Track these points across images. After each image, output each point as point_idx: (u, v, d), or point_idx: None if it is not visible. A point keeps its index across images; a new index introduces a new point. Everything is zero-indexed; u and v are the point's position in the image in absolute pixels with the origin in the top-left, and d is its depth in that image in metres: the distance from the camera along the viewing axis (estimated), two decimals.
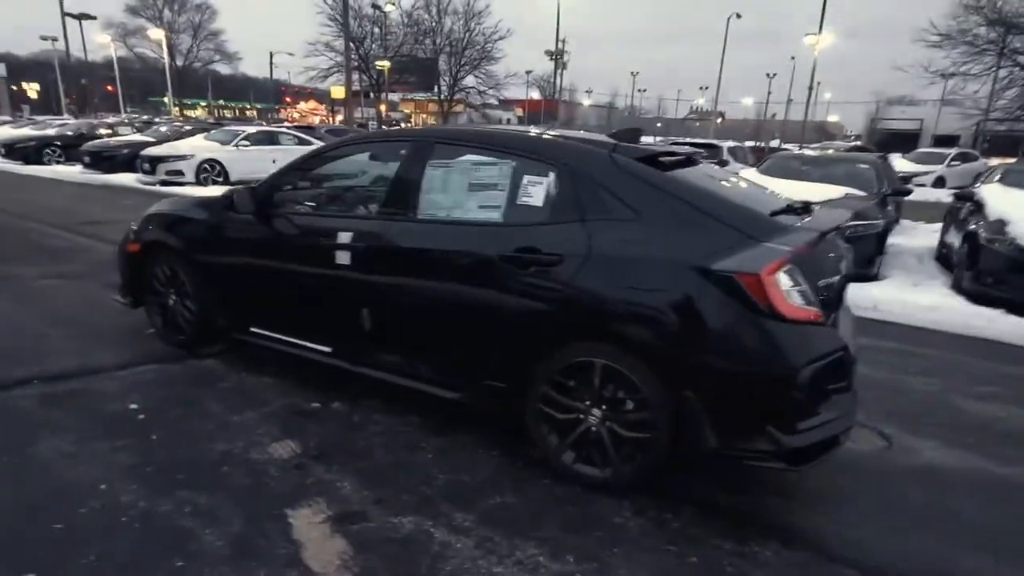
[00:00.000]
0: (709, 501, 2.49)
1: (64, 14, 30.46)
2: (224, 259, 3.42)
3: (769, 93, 62.77)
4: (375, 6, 36.85)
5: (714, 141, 14.13)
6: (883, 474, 2.81)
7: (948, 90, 30.56)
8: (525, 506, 2.41)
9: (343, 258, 2.94)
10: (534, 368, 2.55)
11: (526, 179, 2.62)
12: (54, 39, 37.65)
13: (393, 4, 36.92)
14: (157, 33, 44.69)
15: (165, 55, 43.48)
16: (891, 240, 7.54)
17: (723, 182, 2.96)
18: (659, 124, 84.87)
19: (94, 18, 36.49)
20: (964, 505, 2.59)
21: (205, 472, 2.52)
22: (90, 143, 15.35)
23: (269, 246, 3.22)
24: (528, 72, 56.59)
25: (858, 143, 30.86)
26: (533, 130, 2.96)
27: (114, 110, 44.06)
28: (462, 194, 2.79)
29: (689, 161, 2.86)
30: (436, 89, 41.52)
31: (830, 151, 12.94)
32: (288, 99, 70.96)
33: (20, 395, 3.11)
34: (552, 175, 2.57)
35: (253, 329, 3.41)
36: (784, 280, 2.18)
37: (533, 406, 2.59)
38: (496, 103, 45.21)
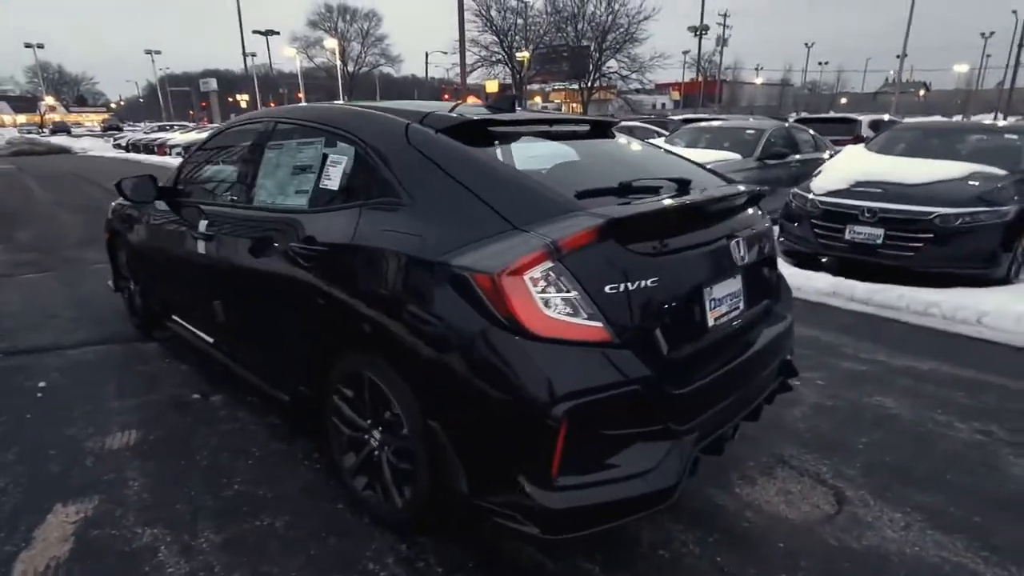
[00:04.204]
0: (516, 566, 1.98)
1: (248, 32, 34.99)
2: (138, 246, 3.53)
3: (987, 56, 52.47)
4: None
5: (852, 115, 11.98)
6: (811, 554, 2.03)
7: None
8: (288, 533, 2.11)
9: (201, 247, 2.84)
10: (327, 376, 2.22)
11: (330, 159, 2.28)
12: (253, 55, 43.91)
13: None
14: (332, 42, 49.55)
15: (338, 62, 48.08)
16: None
17: (583, 158, 2.37)
18: (844, 100, 75.40)
19: (277, 33, 41.41)
20: None
21: (30, 454, 2.57)
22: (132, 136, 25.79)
23: (158, 234, 3.24)
24: (685, 53, 53.40)
25: None
26: (377, 104, 2.57)
27: None
28: (286, 178, 2.52)
29: (543, 132, 2.31)
30: (588, 77, 40.79)
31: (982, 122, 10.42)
32: (447, 96, 74.81)
33: None
34: (351, 153, 2.21)
35: (173, 316, 3.47)
36: (534, 284, 1.61)
37: (328, 419, 2.26)
38: (640, 86, 43.16)
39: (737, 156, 7.51)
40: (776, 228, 6.51)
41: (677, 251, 1.84)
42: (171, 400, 3.08)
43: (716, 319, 1.97)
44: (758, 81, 75.80)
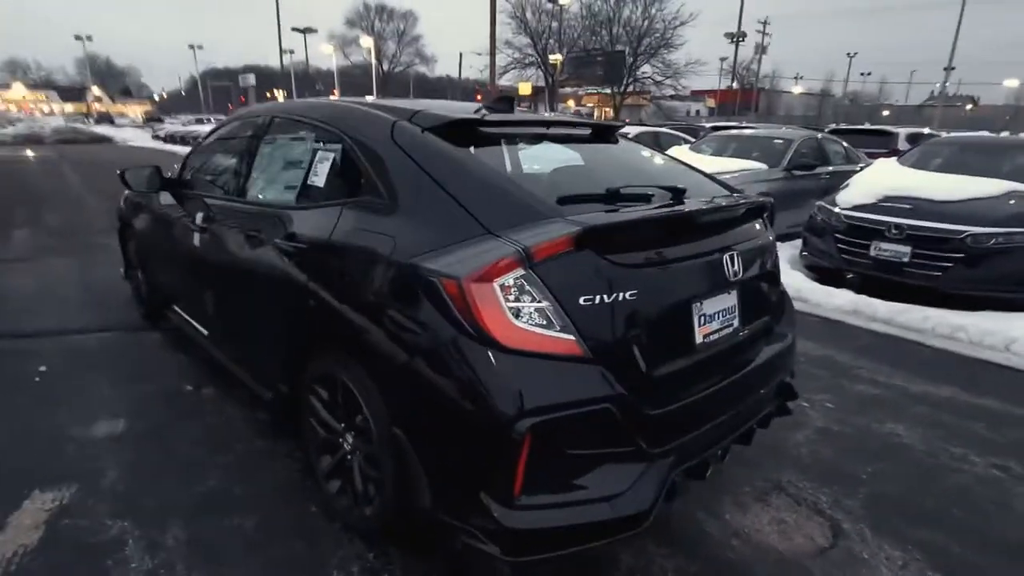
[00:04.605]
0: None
1: (287, 29, 35.54)
2: (144, 236, 3.56)
3: None
4: (552, 0, 37.01)
5: (890, 128, 11.59)
6: None
7: None
8: (256, 534, 2.06)
9: (197, 239, 2.83)
10: (304, 374, 2.18)
11: (318, 155, 2.24)
12: (291, 51, 44.78)
13: None
14: (368, 41, 50.16)
15: (373, 60, 48.65)
16: None
17: (587, 162, 2.28)
18: (886, 112, 73.39)
19: (315, 31, 42.08)
20: None
21: (18, 439, 2.59)
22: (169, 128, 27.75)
23: (161, 225, 3.25)
24: (722, 59, 52.63)
25: None
26: (365, 100, 2.52)
27: None
28: (277, 172, 2.50)
29: (539, 134, 2.23)
30: (623, 82, 40.38)
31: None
32: (479, 97, 75.11)
33: None
34: (339, 149, 2.16)
35: (174, 307, 3.49)
36: (503, 292, 1.53)
37: (305, 419, 2.22)
38: (675, 92, 42.58)
39: (763, 166, 7.31)
40: (799, 241, 6.38)
41: (662, 263, 1.74)
42: (163, 391, 3.08)
43: (705, 336, 1.87)
44: (797, 90, 74.21)
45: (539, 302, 1.54)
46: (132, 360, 3.45)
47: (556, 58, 37.78)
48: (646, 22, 37.42)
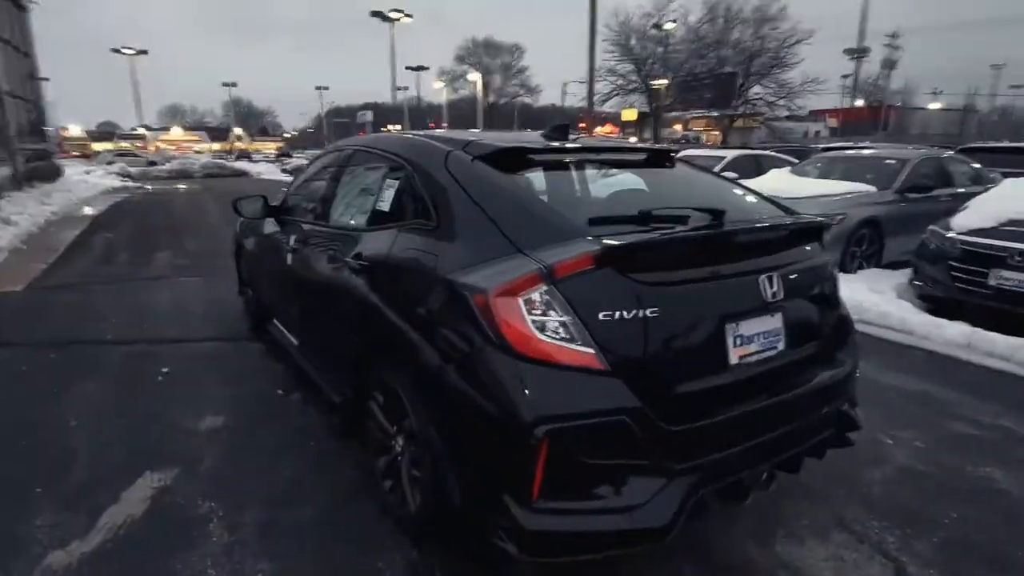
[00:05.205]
0: None
1: (401, 68, 38.03)
2: (251, 257, 4.03)
3: None
4: (656, 26, 36.82)
5: None
6: None
7: None
8: (317, 522, 2.28)
9: (290, 259, 3.18)
10: (366, 381, 2.39)
11: (386, 182, 2.49)
12: (405, 88, 47.98)
13: (674, 21, 36.37)
14: (475, 75, 52.54)
15: (479, 94, 50.80)
16: None
17: (635, 186, 2.34)
18: None
19: (427, 69, 44.74)
20: None
21: (139, 426, 3.02)
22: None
23: (264, 247, 3.66)
24: (844, 77, 49.54)
25: None
26: (432, 132, 2.74)
27: None
28: (354, 199, 2.78)
29: (589, 160, 2.33)
30: (732, 104, 39.14)
31: None
32: (583, 124, 75.72)
33: (123, 351, 4.14)
34: (402, 177, 2.39)
35: (274, 320, 3.90)
36: (527, 306, 1.63)
37: (366, 422, 2.43)
38: (790, 113, 40.54)
39: (871, 188, 6.86)
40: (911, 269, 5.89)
41: (688, 283, 1.77)
42: (258, 394, 3.45)
43: (741, 357, 1.86)
44: (934, 106, 67.98)
45: (561, 316, 1.63)
46: (237, 366, 3.89)
47: (661, 83, 37.41)
48: (758, 42, 36.18)
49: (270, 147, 70.14)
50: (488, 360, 1.67)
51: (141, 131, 56.33)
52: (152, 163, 33.34)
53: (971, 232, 5.07)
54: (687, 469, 1.69)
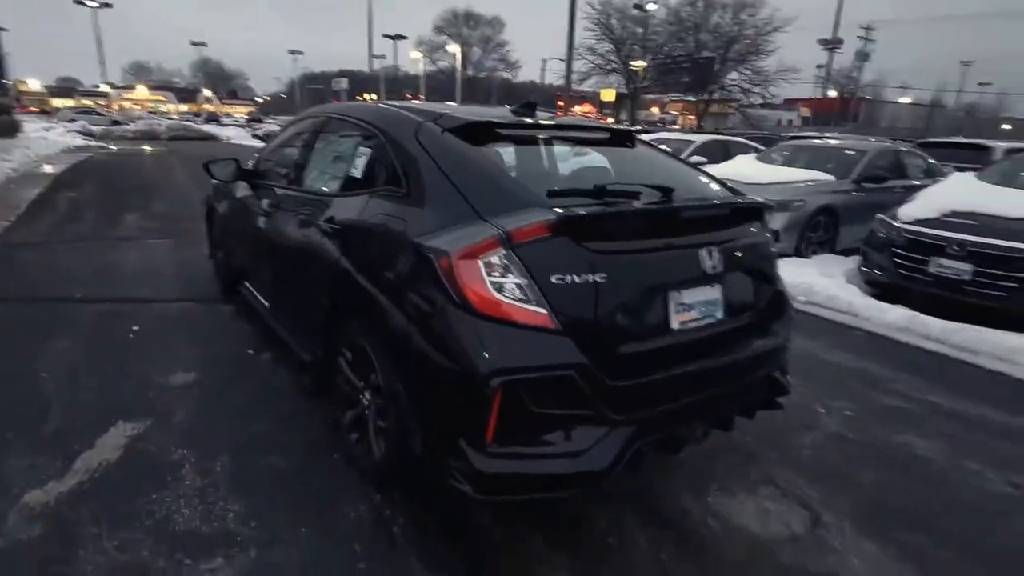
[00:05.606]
0: (467, 528, 2.17)
1: (378, 36, 37.24)
2: (222, 220, 4.08)
3: None
4: (637, 6, 36.73)
5: (985, 142, 10.78)
6: (758, 568, 2.05)
7: None
8: (285, 472, 2.41)
9: (262, 222, 3.26)
10: (335, 339, 2.52)
11: (360, 149, 2.59)
12: (382, 57, 47.05)
13: (655, 2, 36.32)
14: (454, 47, 51.76)
15: (458, 66, 50.13)
16: None
17: (597, 163, 2.49)
18: (1006, 126, 67.30)
19: (405, 38, 43.93)
20: None
21: (111, 381, 3.09)
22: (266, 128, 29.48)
23: (236, 210, 3.72)
24: (819, 67, 50.19)
25: None
26: (407, 103, 2.84)
27: None
28: (328, 165, 2.87)
29: (559, 137, 2.48)
30: (708, 89, 39.34)
31: None
32: (561, 103, 75.39)
33: (92, 310, 4.17)
34: (374, 145, 2.49)
35: (244, 283, 3.97)
36: (486, 268, 1.78)
37: (334, 379, 2.56)
38: (764, 100, 41.06)
39: (830, 177, 7.14)
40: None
41: (635, 253, 1.94)
42: (229, 354, 3.55)
43: (682, 323, 2.04)
44: (904, 100, 69.45)
45: (517, 279, 1.78)
46: (207, 327, 3.97)
47: (639, 64, 37.46)
48: (736, 27, 36.44)
49: (240, 111, 68.22)
50: (449, 317, 1.81)
51: (104, 88, 54.09)
52: (116, 122, 32.13)
53: (915, 222, 5.37)
54: (627, 421, 1.87)
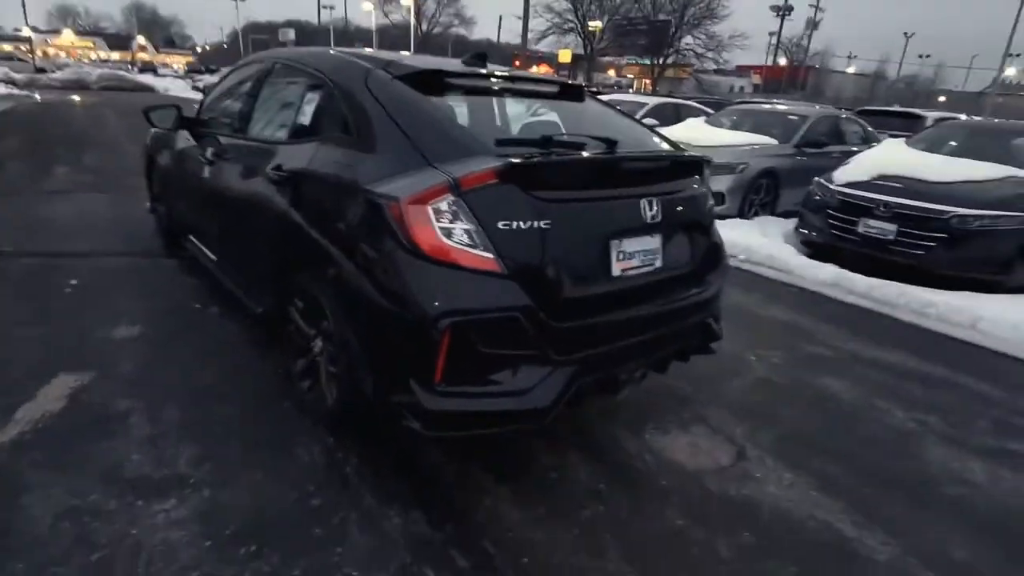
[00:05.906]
0: (418, 466, 2.26)
1: None
2: (165, 171, 3.95)
3: None
4: None
5: (918, 111, 11.36)
6: (686, 494, 2.23)
7: None
8: (236, 420, 2.44)
9: (207, 172, 3.18)
10: (287, 289, 2.53)
11: (308, 96, 2.56)
12: (332, 7, 44.84)
13: None
14: (408, 0, 49.90)
15: (412, 19, 48.45)
16: None
17: (547, 116, 2.54)
18: (942, 98, 70.17)
19: None
20: None
21: (51, 334, 3.02)
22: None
23: (179, 160, 3.61)
24: (771, 34, 50.89)
25: None
26: (358, 50, 2.80)
27: None
28: (275, 112, 2.82)
29: (510, 89, 2.51)
30: (664, 53, 39.35)
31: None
32: (517, 63, 74.14)
33: (23, 264, 4.00)
34: (322, 92, 2.47)
35: (190, 236, 3.87)
36: (435, 214, 1.83)
37: (286, 328, 2.58)
38: (717, 66, 41.56)
39: (773, 141, 7.39)
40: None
41: (579, 201, 2.02)
42: (174, 307, 3.49)
43: (623, 270, 2.15)
44: (850, 70, 71.47)
45: (465, 224, 1.84)
46: (150, 281, 3.87)
47: (596, 24, 37.13)
48: None
49: (179, 61, 64.25)
50: (399, 262, 1.86)
51: (27, 33, 49.89)
52: (41, 70, 29.92)
53: (848, 184, 5.67)
54: (569, 361, 1.98)
